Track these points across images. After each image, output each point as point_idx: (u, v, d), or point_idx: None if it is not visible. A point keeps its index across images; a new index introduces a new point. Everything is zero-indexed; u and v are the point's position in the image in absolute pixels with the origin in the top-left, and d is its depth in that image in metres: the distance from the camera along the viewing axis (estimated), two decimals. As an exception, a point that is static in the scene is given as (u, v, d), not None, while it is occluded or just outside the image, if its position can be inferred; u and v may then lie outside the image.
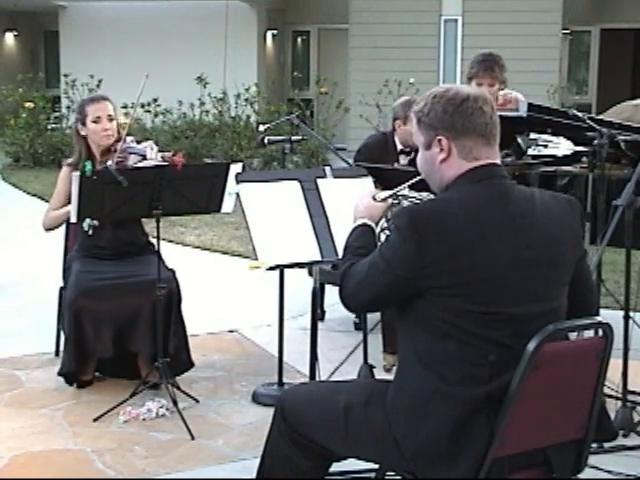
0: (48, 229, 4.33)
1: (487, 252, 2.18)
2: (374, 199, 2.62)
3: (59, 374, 4.14)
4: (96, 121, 4.20)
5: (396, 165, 4.90)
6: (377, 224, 2.60)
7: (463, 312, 2.17)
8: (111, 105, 4.29)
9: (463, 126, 2.26)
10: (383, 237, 2.58)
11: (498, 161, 2.32)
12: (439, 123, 2.28)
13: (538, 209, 2.27)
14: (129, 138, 4.17)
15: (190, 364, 4.26)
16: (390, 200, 2.65)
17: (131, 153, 4.07)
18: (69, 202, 4.23)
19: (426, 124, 2.31)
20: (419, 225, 2.18)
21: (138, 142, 4.18)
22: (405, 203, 2.67)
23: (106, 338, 4.05)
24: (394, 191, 2.68)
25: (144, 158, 4.05)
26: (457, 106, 2.26)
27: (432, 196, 2.58)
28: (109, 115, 4.23)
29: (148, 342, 4.04)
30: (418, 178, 2.50)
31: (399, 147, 4.98)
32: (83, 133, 4.24)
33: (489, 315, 2.18)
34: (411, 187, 2.70)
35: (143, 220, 4.36)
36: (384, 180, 3.74)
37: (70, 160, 4.31)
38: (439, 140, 2.29)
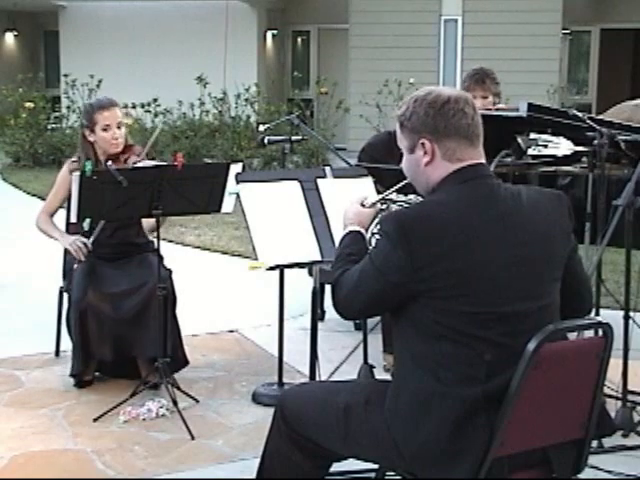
0: (39, 230, 4.35)
1: (477, 252, 2.18)
2: (362, 205, 2.64)
3: (71, 375, 4.14)
4: (106, 129, 4.15)
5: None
6: (367, 229, 2.61)
7: (456, 313, 2.17)
8: (120, 111, 4.25)
9: (445, 128, 2.27)
10: (374, 241, 2.58)
11: (483, 160, 2.33)
12: (421, 126, 2.29)
13: (525, 206, 2.28)
14: (138, 150, 4.16)
15: (185, 362, 4.26)
16: (379, 205, 2.66)
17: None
18: (62, 205, 4.28)
19: (408, 128, 2.33)
20: (407, 229, 2.18)
21: (152, 158, 4.15)
22: (394, 207, 2.68)
23: (108, 341, 4.05)
24: (382, 196, 2.70)
25: None
26: (438, 109, 2.27)
27: (420, 199, 2.59)
28: (118, 122, 4.18)
29: (148, 343, 4.03)
30: (405, 182, 2.51)
31: None
32: (91, 139, 4.20)
33: (483, 315, 2.18)
34: (399, 191, 2.71)
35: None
36: (385, 180, 3.74)
37: (73, 159, 4.27)
38: (422, 143, 2.30)
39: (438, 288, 2.17)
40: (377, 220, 2.63)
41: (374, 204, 2.65)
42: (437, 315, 2.18)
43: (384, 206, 2.69)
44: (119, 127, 4.18)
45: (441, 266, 2.16)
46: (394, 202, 2.70)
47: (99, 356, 4.11)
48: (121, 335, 4.06)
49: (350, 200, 2.69)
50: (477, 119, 2.30)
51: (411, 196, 2.69)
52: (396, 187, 2.67)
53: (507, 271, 2.20)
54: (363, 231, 2.57)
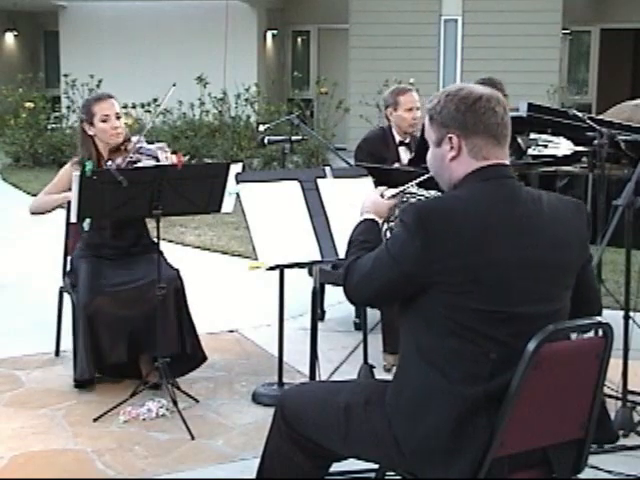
0: (34, 213, 4.24)
1: (493, 251, 2.18)
2: (382, 196, 2.64)
3: (76, 380, 4.09)
4: (105, 120, 4.15)
5: (397, 165, 4.90)
6: (383, 222, 2.61)
7: (466, 310, 2.17)
8: (117, 103, 4.26)
9: (475, 125, 2.27)
10: (389, 234, 2.59)
11: (507, 161, 2.33)
12: (451, 121, 2.29)
13: (545, 211, 2.28)
14: (135, 138, 4.15)
15: (204, 358, 4.26)
16: (398, 197, 2.67)
17: (143, 154, 4.02)
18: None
19: (438, 122, 2.32)
20: (426, 221, 2.19)
21: (149, 142, 4.14)
22: (413, 201, 2.68)
23: (122, 341, 4.02)
24: (402, 188, 2.70)
25: (157, 161, 3.98)
26: (470, 105, 2.27)
27: (440, 194, 2.59)
28: (117, 113, 4.20)
29: (164, 341, 3.97)
30: (426, 176, 2.51)
31: (397, 139, 4.98)
32: (91, 133, 4.19)
33: (492, 314, 2.18)
34: (419, 185, 2.72)
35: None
36: (384, 180, 3.74)
37: (77, 159, 4.24)
38: (450, 138, 2.30)
39: (450, 283, 2.17)
40: (396, 213, 2.63)
41: (394, 196, 2.66)
42: (446, 310, 2.19)
43: (404, 199, 2.69)
44: (118, 118, 4.19)
45: (455, 261, 2.16)
46: (414, 195, 2.70)
47: (114, 359, 4.05)
48: (135, 333, 4.03)
49: (369, 190, 2.68)
50: (507, 120, 2.31)
51: (432, 192, 2.69)
52: (416, 181, 2.68)
53: (520, 273, 2.20)
54: (379, 220, 2.58)
